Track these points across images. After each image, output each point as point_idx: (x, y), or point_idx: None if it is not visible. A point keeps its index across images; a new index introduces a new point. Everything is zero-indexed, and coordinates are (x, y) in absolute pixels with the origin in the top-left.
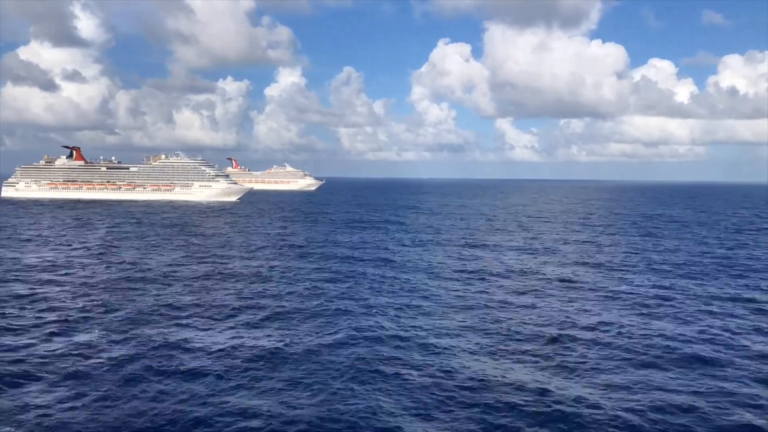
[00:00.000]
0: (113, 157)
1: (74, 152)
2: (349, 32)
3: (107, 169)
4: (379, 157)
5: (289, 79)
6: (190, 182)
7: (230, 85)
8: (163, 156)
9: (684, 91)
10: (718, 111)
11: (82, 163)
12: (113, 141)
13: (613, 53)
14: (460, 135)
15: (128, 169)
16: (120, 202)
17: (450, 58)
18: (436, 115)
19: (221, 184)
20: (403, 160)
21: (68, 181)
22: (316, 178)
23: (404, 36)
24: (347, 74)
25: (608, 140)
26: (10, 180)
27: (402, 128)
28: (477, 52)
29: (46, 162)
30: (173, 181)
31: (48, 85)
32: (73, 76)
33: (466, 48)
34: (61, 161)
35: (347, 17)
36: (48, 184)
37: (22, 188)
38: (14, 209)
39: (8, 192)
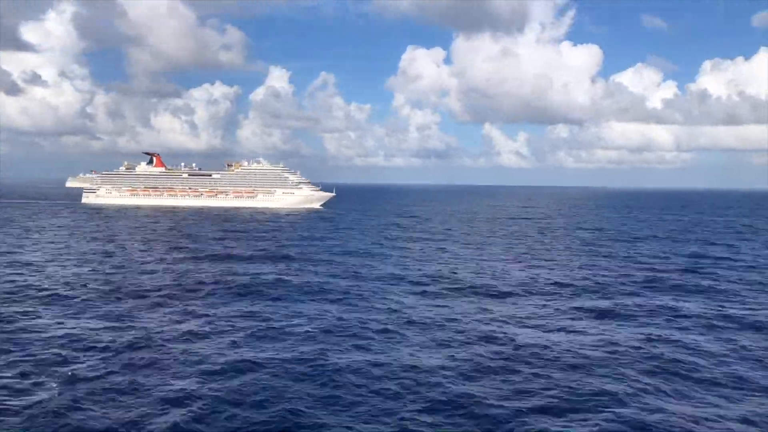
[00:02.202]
0: (194, 164)
1: (154, 159)
2: (296, 36)
3: (189, 175)
4: (368, 163)
5: (273, 84)
6: (272, 189)
7: (217, 89)
8: (245, 162)
9: (661, 97)
10: (698, 118)
11: (162, 169)
12: (97, 146)
13: (585, 58)
14: (445, 140)
15: (210, 175)
16: (204, 209)
17: (421, 64)
18: (418, 121)
19: (304, 191)
20: (393, 166)
21: (149, 187)
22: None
23: (360, 38)
24: (323, 79)
25: (593, 146)
26: (90, 186)
27: (383, 133)
28: (440, 57)
29: (126, 168)
30: (256, 188)
31: (12, 89)
32: (34, 80)
33: (438, 54)
34: (142, 168)
35: (287, 21)
36: (128, 190)
37: (103, 194)
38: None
39: (89, 198)
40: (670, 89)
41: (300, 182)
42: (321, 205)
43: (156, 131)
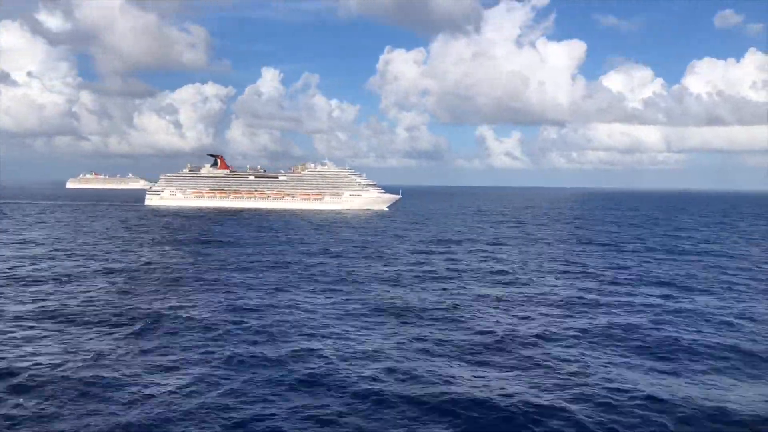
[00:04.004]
0: (259, 166)
1: (218, 161)
2: (244, 38)
3: (255, 177)
4: (361, 164)
5: (262, 84)
6: (340, 191)
7: (206, 90)
8: (311, 165)
9: (650, 98)
10: (688, 118)
11: (227, 171)
12: (86, 147)
13: (566, 57)
14: (435, 141)
15: (277, 177)
16: (270, 211)
17: (397, 66)
18: (407, 122)
19: (371, 193)
20: (386, 167)
21: (215, 189)
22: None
23: (342, 38)
24: (305, 80)
25: (583, 147)
26: (154, 188)
27: (372, 134)
28: (417, 58)
29: (189, 170)
30: (323, 190)
31: None
32: (3, 79)
33: (415, 55)
34: (206, 169)
35: (235, 22)
36: (194, 192)
37: (167, 196)
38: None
39: (152, 200)
40: (660, 89)
41: (367, 184)
42: (387, 207)
43: (141, 131)
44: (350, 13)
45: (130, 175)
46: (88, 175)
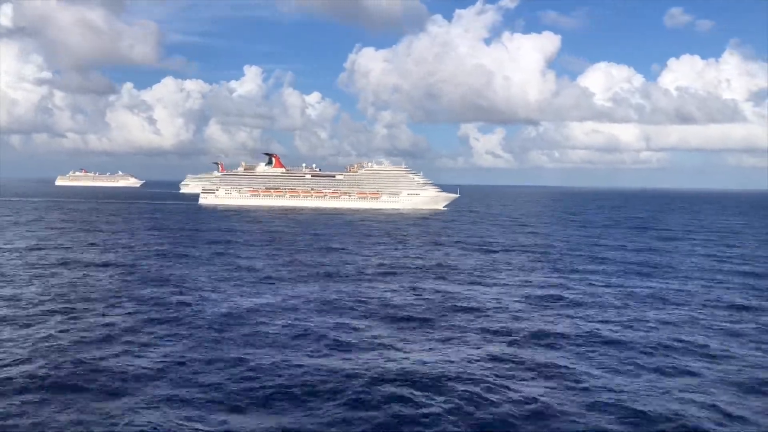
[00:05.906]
0: (314, 165)
1: (273, 159)
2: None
3: (312, 176)
4: (345, 162)
5: (239, 82)
6: (398, 190)
7: (183, 86)
8: (368, 164)
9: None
10: (667, 117)
11: (283, 170)
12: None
13: (539, 52)
14: (414, 140)
15: (334, 176)
16: (328, 210)
17: (365, 63)
18: (386, 120)
19: (429, 192)
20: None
21: (271, 188)
22: None
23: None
24: (287, 79)
25: (564, 146)
26: (208, 187)
27: (351, 132)
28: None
29: (244, 169)
30: (380, 189)
31: None
32: None
33: (384, 54)
34: (261, 168)
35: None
36: (250, 191)
37: (222, 195)
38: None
39: (207, 199)
40: (639, 87)
41: (425, 183)
42: (445, 207)
43: (116, 129)
44: (290, 8)
45: (120, 172)
46: (77, 173)
